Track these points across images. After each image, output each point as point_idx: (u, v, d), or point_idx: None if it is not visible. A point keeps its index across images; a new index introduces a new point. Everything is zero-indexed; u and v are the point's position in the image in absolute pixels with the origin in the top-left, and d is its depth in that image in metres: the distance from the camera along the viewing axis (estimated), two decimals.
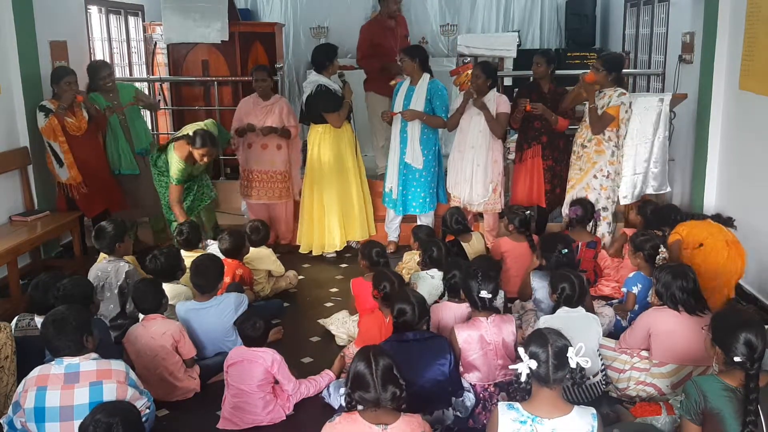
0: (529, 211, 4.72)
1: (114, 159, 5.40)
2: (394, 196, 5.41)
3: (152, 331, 3.43)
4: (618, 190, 5.04)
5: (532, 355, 2.35)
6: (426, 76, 5.24)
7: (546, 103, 5.14)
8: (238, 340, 3.67)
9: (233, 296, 3.82)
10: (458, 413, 3.11)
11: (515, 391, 3.12)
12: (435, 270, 4.07)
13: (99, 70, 5.39)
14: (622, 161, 4.99)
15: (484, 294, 3.23)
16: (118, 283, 4.01)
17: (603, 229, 4.96)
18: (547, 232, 5.05)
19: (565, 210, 5.06)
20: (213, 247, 4.68)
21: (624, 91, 4.84)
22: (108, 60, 6.91)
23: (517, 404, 2.39)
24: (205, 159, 4.82)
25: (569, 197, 5.03)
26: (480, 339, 3.20)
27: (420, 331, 3.14)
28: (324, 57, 5.27)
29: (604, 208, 4.96)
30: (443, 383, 3.03)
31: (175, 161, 4.84)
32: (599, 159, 4.88)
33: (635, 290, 4.01)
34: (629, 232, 4.66)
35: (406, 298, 3.17)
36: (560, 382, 2.36)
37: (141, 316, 3.71)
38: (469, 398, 3.15)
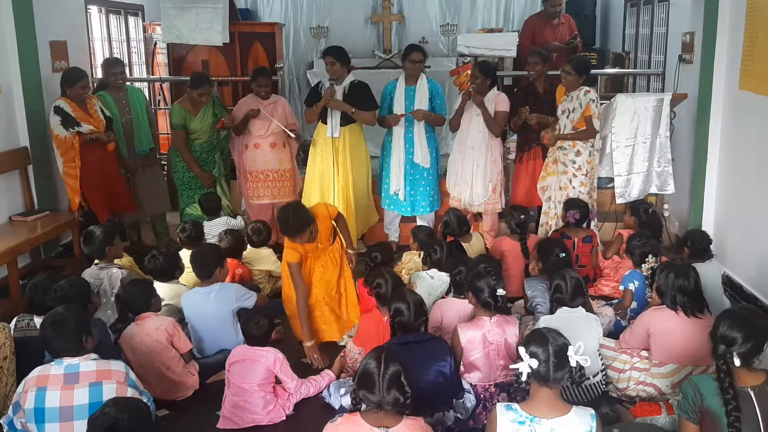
0: (524, 215, 4.73)
1: None
2: (402, 198, 5.37)
3: (146, 328, 3.45)
4: (594, 188, 5.04)
5: (533, 355, 2.35)
6: (424, 77, 5.26)
7: (542, 104, 5.16)
8: (239, 336, 3.68)
9: (236, 286, 3.91)
10: (459, 414, 3.11)
11: (516, 391, 3.13)
12: (435, 270, 4.08)
13: (111, 66, 5.42)
14: (596, 162, 5.00)
15: (500, 292, 3.23)
16: (113, 291, 3.99)
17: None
18: (545, 236, 5.06)
19: (545, 208, 5.10)
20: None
21: (588, 88, 4.88)
22: None
23: (515, 405, 2.40)
24: (203, 98, 5.20)
25: (544, 195, 5.08)
26: (482, 339, 3.20)
27: (420, 333, 3.15)
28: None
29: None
30: (444, 385, 3.03)
31: (175, 110, 5.31)
32: (577, 159, 4.90)
33: (632, 287, 4.03)
34: (625, 233, 4.67)
35: (403, 297, 3.17)
36: (560, 382, 2.36)
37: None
38: (470, 399, 3.15)
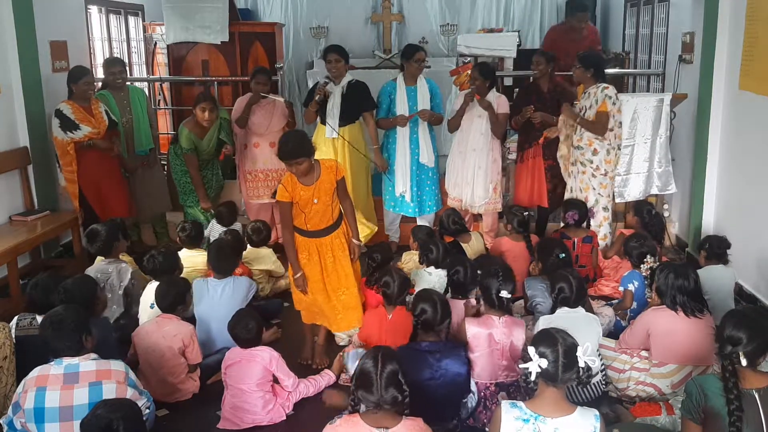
0: (527, 212, 4.73)
1: None
2: (408, 200, 5.32)
3: (164, 331, 3.44)
4: (614, 188, 5.03)
5: (542, 355, 2.34)
6: (422, 76, 5.25)
7: (546, 103, 5.14)
8: None
9: (246, 279, 3.99)
10: (460, 414, 3.11)
11: (516, 391, 3.13)
12: (432, 268, 4.08)
13: (110, 65, 5.43)
14: (618, 159, 4.98)
15: (504, 294, 3.24)
16: (122, 285, 4.02)
17: (604, 230, 4.95)
18: (546, 234, 5.06)
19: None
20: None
21: (606, 85, 4.85)
22: None
23: (520, 402, 2.39)
24: (206, 115, 5.02)
25: (578, 194, 5.02)
26: (488, 337, 3.19)
27: (440, 342, 3.11)
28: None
29: (605, 208, 4.94)
30: (456, 393, 3.05)
31: (183, 134, 5.14)
32: (594, 158, 4.88)
33: (632, 287, 4.03)
34: (627, 233, 4.67)
35: (429, 297, 3.17)
36: (567, 382, 2.35)
37: (140, 313, 3.73)
38: (472, 399, 3.15)
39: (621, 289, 4.13)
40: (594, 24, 8.28)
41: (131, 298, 4.09)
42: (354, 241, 3.75)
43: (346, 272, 3.69)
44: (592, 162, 4.88)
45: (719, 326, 2.59)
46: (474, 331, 3.21)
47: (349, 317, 3.76)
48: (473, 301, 3.64)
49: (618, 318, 4.00)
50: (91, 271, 4.06)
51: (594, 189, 4.91)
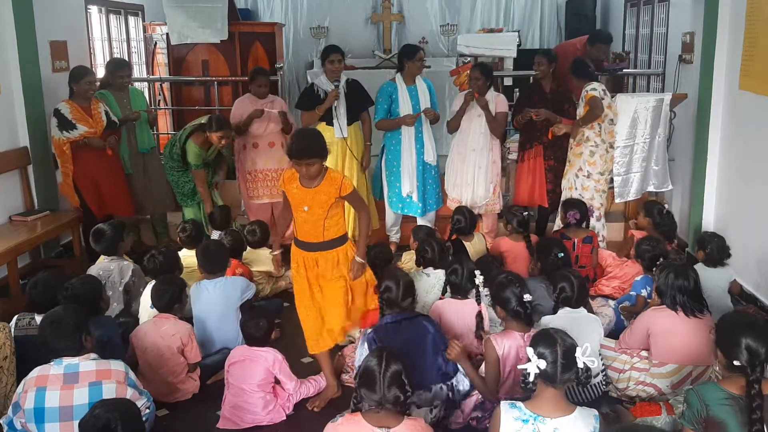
0: (527, 212, 4.73)
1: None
2: (416, 199, 5.29)
3: (162, 331, 3.45)
4: (600, 190, 5.03)
5: (541, 355, 2.34)
6: (419, 76, 5.25)
7: (548, 103, 5.14)
8: (240, 332, 3.68)
9: (241, 279, 3.97)
10: (450, 394, 3.13)
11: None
12: (431, 269, 4.08)
13: (119, 68, 5.44)
14: (605, 162, 4.99)
15: (527, 297, 3.10)
16: (123, 281, 4.04)
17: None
18: (546, 234, 5.06)
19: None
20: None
21: (592, 82, 4.91)
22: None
23: (519, 403, 2.40)
24: (224, 141, 4.96)
25: (565, 192, 5.08)
26: (516, 352, 3.06)
27: (408, 312, 3.20)
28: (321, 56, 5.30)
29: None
30: (435, 358, 3.11)
31: (191, 149, 5.02)
32: (576, 159, 4.95)
33: (644, 293, 4.01)
34: (638, 234, 4.66)
35: (392, 275, 3.24)
36: (566, 383, 2.35)
37: (141, 313, 3.72)
38: (463, 383, 3.15)
39: (633, 293, 4.11)
40: (594, 25, 8.29)
41: (131, 296, 4.10)
42: (357, 258, 3.38)
43: (331, 299, 3.38)
44: (575, 162, 4.93)
45: (727, 334, 2.50)
46: (505, 346, 3.04)
47: (327, 337, 3.44)
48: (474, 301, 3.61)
49: (622, 318, 4.00)
50: (93, 269, 4.08)
51: (576, 189, 4.94)
